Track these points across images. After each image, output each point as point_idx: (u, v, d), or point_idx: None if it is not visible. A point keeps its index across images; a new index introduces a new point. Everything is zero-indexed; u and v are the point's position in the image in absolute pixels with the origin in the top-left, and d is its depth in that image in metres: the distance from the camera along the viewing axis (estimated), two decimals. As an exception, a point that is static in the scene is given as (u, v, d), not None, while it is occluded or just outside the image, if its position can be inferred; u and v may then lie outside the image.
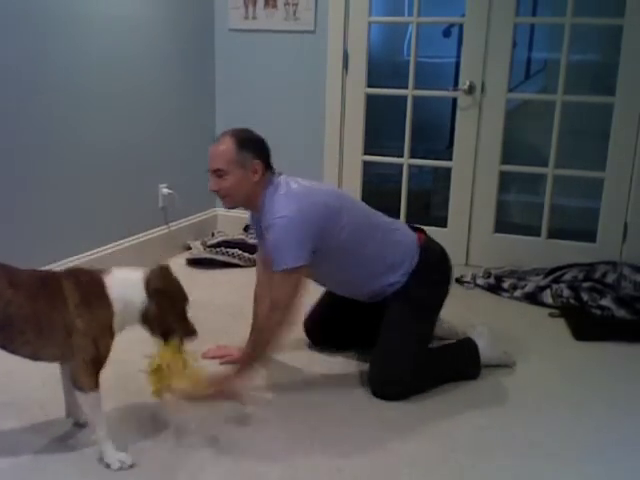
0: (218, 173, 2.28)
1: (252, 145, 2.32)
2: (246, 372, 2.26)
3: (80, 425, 2.07)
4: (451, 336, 2.76)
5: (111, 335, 1.89)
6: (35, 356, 1.88)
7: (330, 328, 2.69)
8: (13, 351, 1.85)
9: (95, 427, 1.90)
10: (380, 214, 2.52)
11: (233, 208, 2.44)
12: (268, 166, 2.36)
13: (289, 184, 2.33)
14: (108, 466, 1.89)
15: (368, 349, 2.49)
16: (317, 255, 2.26)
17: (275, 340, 2.27)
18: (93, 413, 1.89)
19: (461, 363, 2.54)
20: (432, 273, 2.49)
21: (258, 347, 2.31)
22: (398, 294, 2.43)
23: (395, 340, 2.39)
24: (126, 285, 1.92)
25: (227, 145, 2.27)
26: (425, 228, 3.92)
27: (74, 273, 1.93)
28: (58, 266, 3.07)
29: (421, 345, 2.45)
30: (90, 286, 1.89)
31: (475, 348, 2.55)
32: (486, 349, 2.56)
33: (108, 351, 1.89)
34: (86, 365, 1.85)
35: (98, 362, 1.87)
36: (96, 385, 1.86)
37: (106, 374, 1.90)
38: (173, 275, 2.02)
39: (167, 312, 1.96)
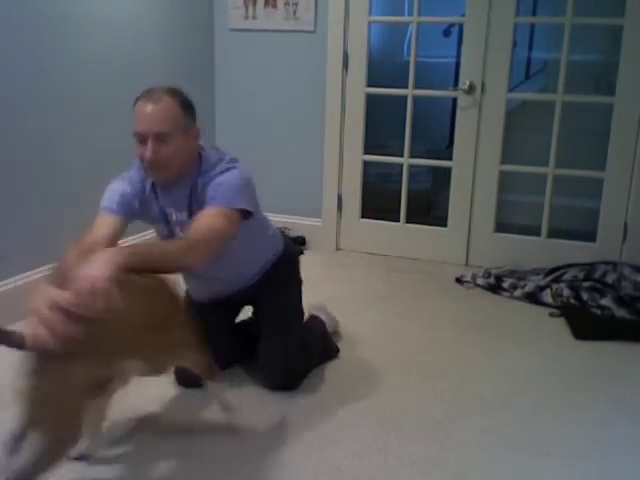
0: (160, 138, 1.98)
1: (192, 108, 2.10)
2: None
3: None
4: None
5: None
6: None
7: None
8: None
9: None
10: None
11: (163, 182, 2.12)
12: None
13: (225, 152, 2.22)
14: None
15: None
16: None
17: (175, 263, 1.87)
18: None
19: (323, 341, 2.61)
20: (292, 260, 2.54)
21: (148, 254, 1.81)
22: (270, 281, 2.39)
23: (290, 327, 2.39)
24: None
25: (170, 105, 2.00)
26: (425, 228, 4.02)
27: None
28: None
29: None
30: None
31: (323, 323, 2.66)
32: (327, 320, 2.69)
33: None
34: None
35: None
36: None
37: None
38: None
39: None
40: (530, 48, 5.13)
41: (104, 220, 2.07)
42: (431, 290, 3.49)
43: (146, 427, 2.13)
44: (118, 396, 1.89)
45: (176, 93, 2.06)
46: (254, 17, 3.98)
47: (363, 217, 4.08)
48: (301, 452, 2.03)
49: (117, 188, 2.15)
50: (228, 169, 2.09)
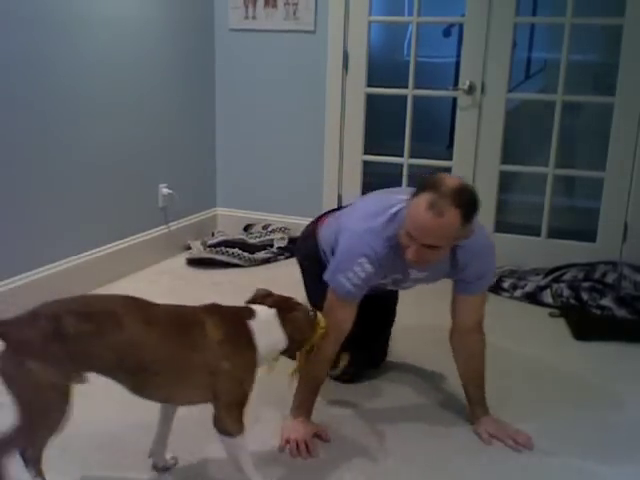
0: (431, 247, 1.90)
1: (475, 211, 1.91)
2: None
3: (159, 469, 1.93)
4: None
5: (254, 375, 1.79)
6: (169, 399, 1.79)
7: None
8: (148, 396, 1.72)
9: (244, 469, 1.77)
10: None
11: None
12: None
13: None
14: None
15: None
16: None
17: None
18: (241, 456, 1.77)
19: None
20: None
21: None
22: None
23: None
24: (270, 329, 1.83)
25: (452, 220, 1.84)
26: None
27: (216, 309, 1.81)
28: (56, 266, 3.08)
29: None
30: (234, 324, 1.78)
31: None
32: None
33: (251, 391, 1.78)
34: (232, 409, 1.74)
35: (243, 404, 1.76)
36: (243, 427, 1.75)
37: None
38: (300, 310, 1.91)
39: (302, 343, 1.93)
40: (530, 48, 5.14)
41: (348, 309, 2.08)
42: (431, 290, 3.48)
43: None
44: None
45: (463, 202, 1.86)
46: (254, 17, 3.98)
47: (363, 217, 4.07)
48: (301, 452, 2.04)
49: (365, 270, 2.03)
50: (480, 236, 2.07)
